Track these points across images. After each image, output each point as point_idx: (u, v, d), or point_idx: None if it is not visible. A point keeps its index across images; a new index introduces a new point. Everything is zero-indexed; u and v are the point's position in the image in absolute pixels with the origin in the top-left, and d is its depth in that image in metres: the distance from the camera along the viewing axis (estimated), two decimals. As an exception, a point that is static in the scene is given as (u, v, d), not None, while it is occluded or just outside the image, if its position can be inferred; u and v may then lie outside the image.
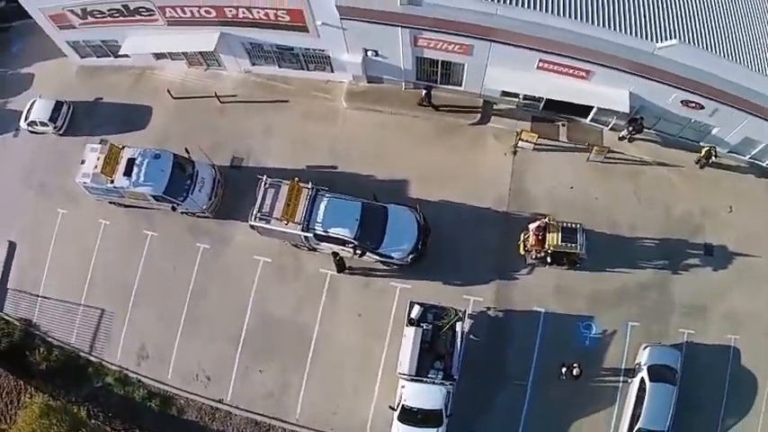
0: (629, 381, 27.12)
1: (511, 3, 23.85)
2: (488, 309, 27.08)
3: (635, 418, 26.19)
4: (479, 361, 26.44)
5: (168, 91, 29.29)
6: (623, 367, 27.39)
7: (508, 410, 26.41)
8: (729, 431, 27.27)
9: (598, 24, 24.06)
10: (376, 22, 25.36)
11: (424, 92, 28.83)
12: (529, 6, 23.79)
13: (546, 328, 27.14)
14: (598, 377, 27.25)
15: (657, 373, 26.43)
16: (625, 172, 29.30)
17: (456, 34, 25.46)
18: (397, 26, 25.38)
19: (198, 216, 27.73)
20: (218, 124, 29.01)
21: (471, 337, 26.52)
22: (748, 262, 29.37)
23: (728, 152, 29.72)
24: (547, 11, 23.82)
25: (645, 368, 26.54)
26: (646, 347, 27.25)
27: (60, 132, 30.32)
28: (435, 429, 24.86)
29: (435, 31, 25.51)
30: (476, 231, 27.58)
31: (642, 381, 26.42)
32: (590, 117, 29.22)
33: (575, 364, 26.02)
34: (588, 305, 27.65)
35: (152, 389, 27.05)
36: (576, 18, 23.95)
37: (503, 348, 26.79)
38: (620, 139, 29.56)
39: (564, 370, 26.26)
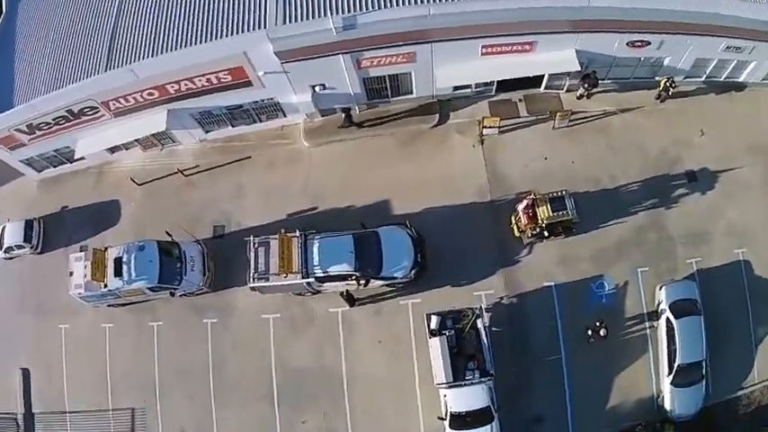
0: (655, 324, 27.57)
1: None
2: (502, 298, 27.33)
3: (672, 356, 26.66)
4: (509, 349, 26.74)
5: (132, 179, 29.11)
6: (645, 312, 27.83)
7: (551, 386, 26.78)
8: (764, 341, 27.87)
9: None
10: (317, 57, 25.32)
11: (343, 115, 28.82)
12: (458, -1, 23.92)
13: (561, 299, 27.46)
14: (625, 330, 27.68)
15: (680, 308, 26.92)
16: (593, 128, 29.63)
17: (396, 45, 25.45)
18: (338, 54, 25.38)
19: (197, 294, 27.66)
20: (189, 198, 28.84)
21: (494, 329, 26.75)
22: (732, 176, 29.89)
23: (685, 78, 30.03)
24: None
25: (666, 307, 27.03)
26: (661, 287, 27.70)
27: (38, 251, 30.05)
28: (489, 426, 25.12)
29: (376, 49, 25.51)
30: (467, 228, 27.77)
31: (668, 320, 26.90)
32: (543, 85, 29.44)
33: (597, 323, 26.44)
34: (594, 265, 27.99)
35: (205, 472, 27.03)
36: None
37: (527, 330, 27.12)
38: (579, 97, 29.77)
39: (590, 333, 26.67)
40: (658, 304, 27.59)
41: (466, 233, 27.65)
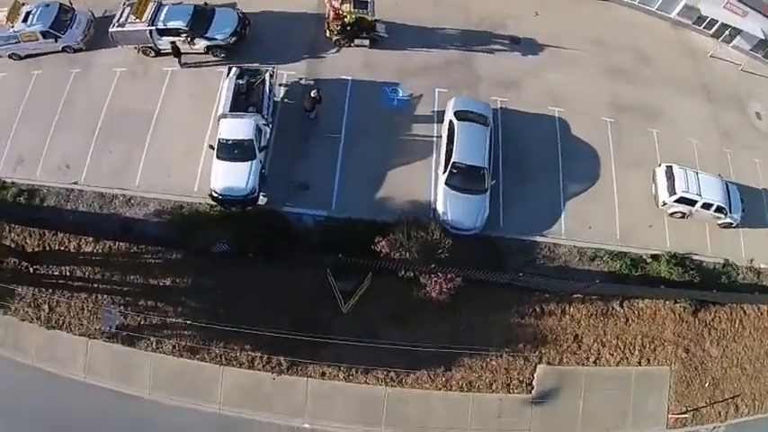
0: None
1: None
2: (300, 79, 30.59)
3: (449, 156, 27.59)
4: (295, 122, 29.47)
5: None
6: (435, 124, 29.75)
7: (325, 161, 28.89)
8: (573, 201, 29.37)
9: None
10: None
11: None
12: None
13: (353, 91, 30.51)
14: (410, 133, 29.77)
15: (465, 115, 28.51)
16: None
17: None
18: None
19: (75, 51, 33.10)
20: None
21: (287, 101, 29.89)
22: (561, 52, 32.91)
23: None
24: None
25: (452, 112, 28.66)
26: (453, 99, 29.43)
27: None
28: (249, 162, 27.01)
29: None
30: (291, 26, 32.15)
31: (450, 122, 28.35)
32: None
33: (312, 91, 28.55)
34: (394, 75, 31.16)
35: (22, 187, 29.71)
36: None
37: (316, 110, 29.47)
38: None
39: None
40: (445, 112, 29.29)
41: (288, 29, 31.99)
